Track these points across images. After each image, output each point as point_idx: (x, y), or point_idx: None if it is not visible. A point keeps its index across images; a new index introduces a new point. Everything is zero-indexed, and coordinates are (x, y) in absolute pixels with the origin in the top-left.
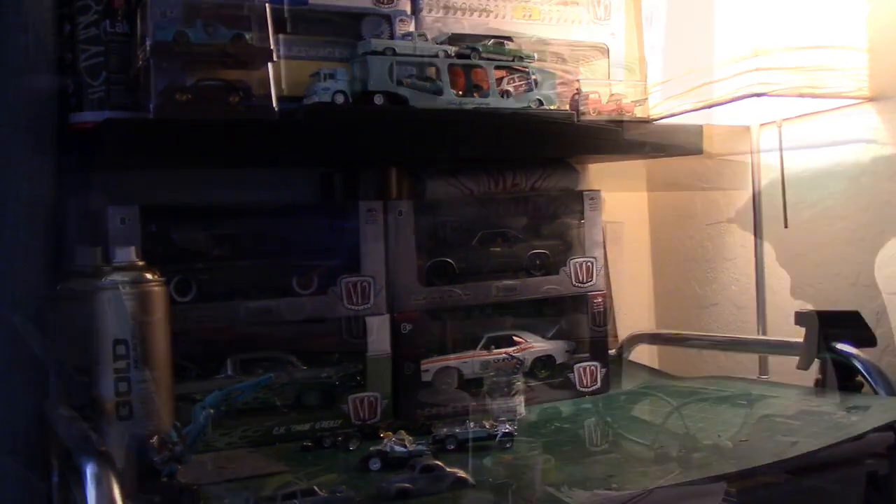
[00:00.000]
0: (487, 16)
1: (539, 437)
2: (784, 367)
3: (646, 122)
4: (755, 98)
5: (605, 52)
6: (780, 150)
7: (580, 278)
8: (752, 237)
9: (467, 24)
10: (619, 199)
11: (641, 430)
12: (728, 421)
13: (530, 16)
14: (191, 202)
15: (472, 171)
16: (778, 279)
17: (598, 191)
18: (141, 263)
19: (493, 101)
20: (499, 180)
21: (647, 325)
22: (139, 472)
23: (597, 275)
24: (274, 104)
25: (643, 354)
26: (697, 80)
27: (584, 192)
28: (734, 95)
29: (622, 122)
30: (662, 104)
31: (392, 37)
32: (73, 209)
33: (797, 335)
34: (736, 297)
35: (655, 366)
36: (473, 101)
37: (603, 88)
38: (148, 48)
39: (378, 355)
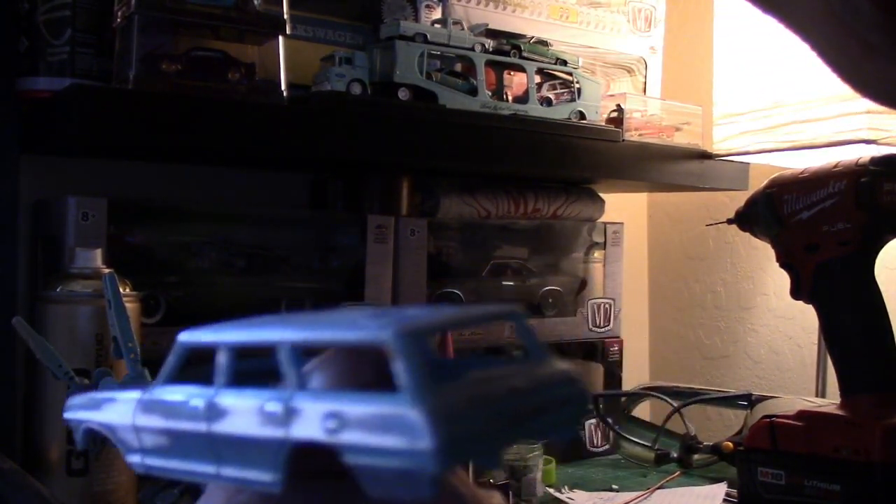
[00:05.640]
0: (523, 11)
1: None
2: None
3: (708, 154)
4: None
5: (632, 70)
6: None
7: (597, 322)
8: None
9: (496, 18)
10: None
11: None
12: None
13: (567, 17)
14: (161, 201)
15: (490, 190)
16: None
17: (621, 223)
18: (107, 271)
19: (533, 109)
20: (519, 203)
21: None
22: None
23: (614, 319)
24: (283, 87)
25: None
26: (787, 117)
27: (607, 224)
28: (836, 139)
29: (688, 149)
30: (736, 138)
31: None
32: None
33: None
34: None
35: (647, 377)
36: (510, 107)
37: (652, 108)
38: (132, 2)
39: None
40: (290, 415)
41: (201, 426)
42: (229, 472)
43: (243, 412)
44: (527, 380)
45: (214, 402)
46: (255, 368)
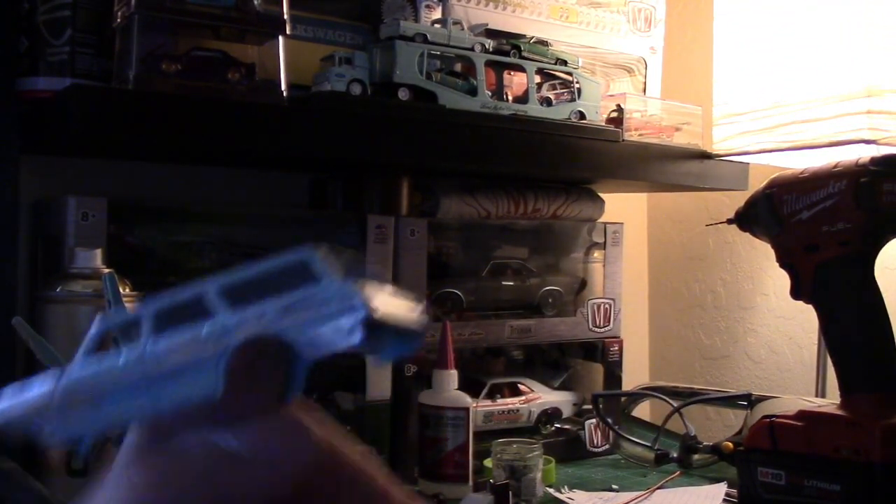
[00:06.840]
0: (522, 11)
1: None
2: None
3: (707, 154)
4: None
5: (632, 70)
6: None
7: (597, 322)
8: None
9: (496, 18)
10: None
11: None
12: None
13: (567, 17)
14: (161, 201)
15: (490, 190)
16: None
17: (621, 223)
18: (107, 271)
19: (533, 109)
20: (519, 203)
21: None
22: None
23: (614, 319)
24: (283, 87)
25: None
26: (787, 117)
27: (607, 224)
28: (836, 139)
29: (686, 149)
30: (735, 138)
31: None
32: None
33: None
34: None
35: (647, 377)
36: (510, 107)
37: (652, 108)
38: (132, 2)
39: (377, 401)
40: (226, 331)
41: (137, 370)
42: (166, 402)
43: (181, 346)
44: None
45: (148, 350)
46: None
